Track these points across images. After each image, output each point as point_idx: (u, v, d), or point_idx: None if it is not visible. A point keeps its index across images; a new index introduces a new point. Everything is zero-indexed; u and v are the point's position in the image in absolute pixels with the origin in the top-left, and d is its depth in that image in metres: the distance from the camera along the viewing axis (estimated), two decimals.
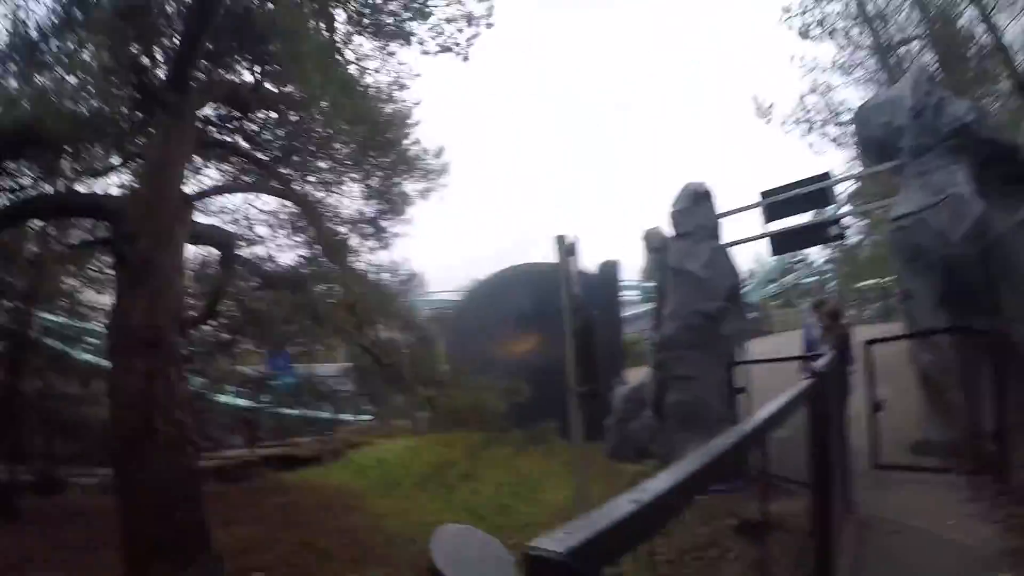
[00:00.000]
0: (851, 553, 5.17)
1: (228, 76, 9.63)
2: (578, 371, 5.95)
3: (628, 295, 34.04)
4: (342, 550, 8.61)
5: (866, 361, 7.78)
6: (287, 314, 10.81)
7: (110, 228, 8.66)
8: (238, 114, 10.37)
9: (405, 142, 11.59)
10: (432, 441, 14.92)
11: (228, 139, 10.72)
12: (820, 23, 17.59)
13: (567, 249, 6.51)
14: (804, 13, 17.49)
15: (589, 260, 14.05)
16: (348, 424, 19.99)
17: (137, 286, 7.51)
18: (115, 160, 9.61)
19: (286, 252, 11.93)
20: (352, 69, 9.95)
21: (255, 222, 11.95)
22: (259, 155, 10.94)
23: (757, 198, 10.64)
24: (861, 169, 14.49)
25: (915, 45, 17.99)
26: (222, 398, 15.21)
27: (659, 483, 1.22)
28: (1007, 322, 6.29)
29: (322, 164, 11.47)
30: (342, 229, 11.80)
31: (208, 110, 10.01)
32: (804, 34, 17.56)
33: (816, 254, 40.57)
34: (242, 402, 15.70)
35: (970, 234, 7.14)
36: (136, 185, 9.10)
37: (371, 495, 11.50)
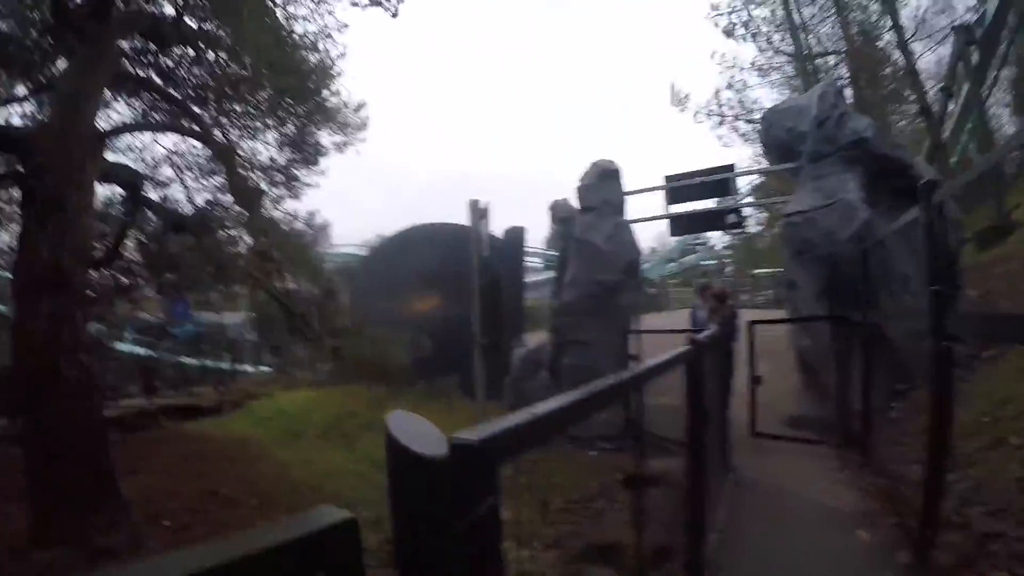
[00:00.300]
0: (727, 508, 5.67)
1: (148, 7, 9.14)
2: (483, 325, 6.25)
3: (532, 261, 34.82)
4: (247, 498, 8.57)
5: (749, 340, 8.35)
6: (191, 260, 10.51)
7: (17, 160, 8.15)
8: (154, 48, 9.84)
9: (325, 92, 11.41)
10: (334, 393, 14.77)
11: (142, 73, 10.17)
12: (745, 24, 18.33)
13: (479, 213, 6.77)
14: (731, 13, 18.19)
15: (497, 225, 14.26)
16: (249, 374, 19.47)
17: (45, 223, 7.06)
18: (23, 88, 9.12)
19: (194, 196, 11.38)
20: (279, 14, 9.74)
21: (162, 162, 11.38)
22: (173, 93, 10.43)
23: (662, 181, 11.19)
24: (763, 166, 15.39)
25: (832, 59, 19.07)
26: (121, 345, 14.66)
27: (551, 403, 1.47)
28: (879, 317, 6.92)
29: (237, 107, 10.98)
30: (254, 176, 11.41)
31: (123, 41, 9.44)
32: (728, 33, 18.28)
33: (717, 239, 42.77)
34: (141, 350, 15.18)
35: (854, 236, 7.78)
36: (47, 117, 8.63)
37: (273, 445, 11.37)
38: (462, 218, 12.25)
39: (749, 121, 17.39)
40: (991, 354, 5.07)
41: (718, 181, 11.07)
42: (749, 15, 18.44)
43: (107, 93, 9.74)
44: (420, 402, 13.51)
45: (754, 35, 18.52)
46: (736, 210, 11.65)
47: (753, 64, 18.71)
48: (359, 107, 12.16)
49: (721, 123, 17.88)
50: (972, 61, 15.28)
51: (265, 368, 20.95)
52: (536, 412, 1.32)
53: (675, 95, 17.59)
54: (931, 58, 22.30)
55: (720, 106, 17.85)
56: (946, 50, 18.41)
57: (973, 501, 3.86)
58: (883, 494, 5.53)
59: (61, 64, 9.09)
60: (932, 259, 3.91)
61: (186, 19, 9.24)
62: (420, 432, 0.97)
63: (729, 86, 18.12)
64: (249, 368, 20.29)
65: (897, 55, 16.80)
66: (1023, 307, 3.84)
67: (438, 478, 0.94)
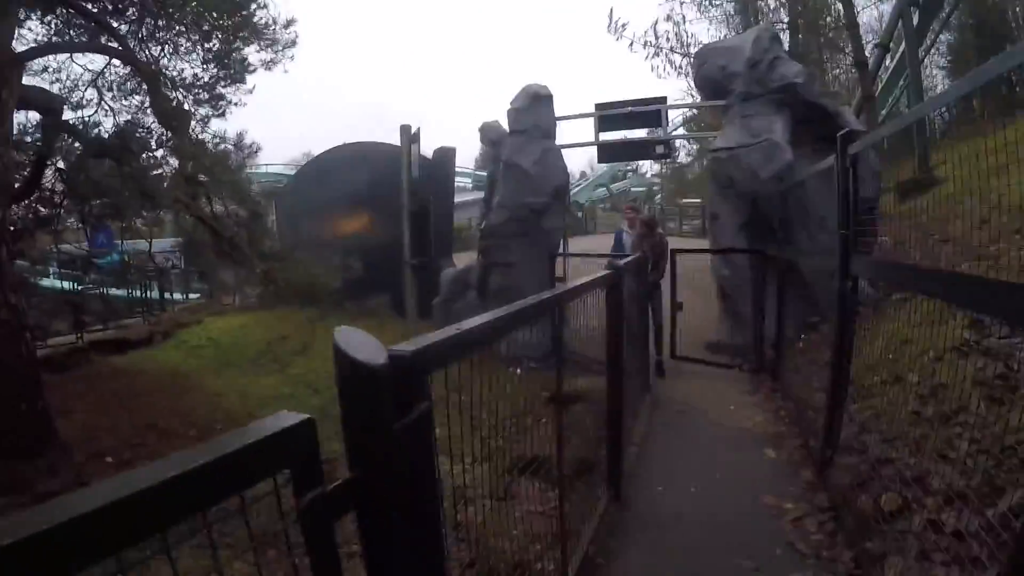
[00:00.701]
0: (645, 425, 6.04)
1: None
2: (412, 246, 6.37)
3: (462, 182, 34.72)
4: (184, 429, 8.60)
5: (671, 268, 8.68)
6: (114, 186, 10.05)
7: None
8: None
9: (253, 6, 10.89)
10: (264, 317, 14.52)
11: None
12: None
13: (410, 137, 6.76)
14: None
15: (427, 145, 14.02)
16: (179, 303, 19.04)
17: None
18: None
19: (113, 117, 10.85)
20: None
21: (81, 83, 10.76)
22: (90, 8, 9.72)
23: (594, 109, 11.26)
24: (695, 100, 15.57)
25: (773, 2, 19.17)
26: (45, 281, 14.05)
27: (475, 321, 1.63)
28: (794, 252, 7.30)
29: (159, 23, 10.39)
30: (177, 94, 10.86)
31: None
32: None
33: (647, 167, 43.56)
34: (66, 284, 14.52)
35: (776, 176, 8.07)
36: None
37: (206, 375, 11.31)
38: (393, 140, 12.13)
39: (685, 55, 17.37)
40: (900, 297, 5.42)
41: (649, 112, 11.21)
42: None
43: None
44: (352, 322, 13.48)
45: None
46: (665, 141, 11.89)
47: None
48: (289, 23, 11.61)
49: (656, 55, 17.76)
50: (913, 22, 15.62)
51: (195, 295, 20.39)
52: (461, 328, 1.47)
53: (612, 22, 17.31)
54: (873, 13, 22.87)
55: (657, 37, 17.69)
56: (888, 8, 18.87)
57: (871, 429, 4.15)
58: (790, 417, 5.97)
59: None
60: (844, 205, 4.15)
61: None
62: (364, 345, 1.08)
63: (668, 18, 18.04)
64: (178, 296, 19.71)
65: (839, 6, 16.99)
66: (931, 256, 4.16)
67: (380, 384, 1.07)
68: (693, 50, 15.81)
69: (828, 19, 18.31)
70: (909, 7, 15.31)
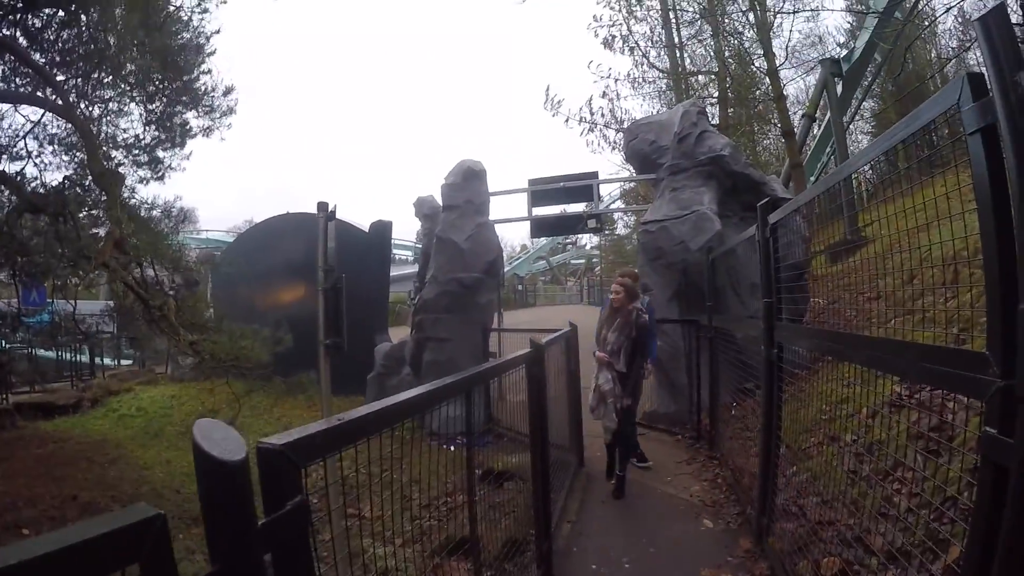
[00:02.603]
0: (579, 498, 5.96)
1: None
2: (325, 326, 6.33)
3: (402, 255, 34.78)
4: (107, 503, 8.34)
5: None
6: (48, 243, 9.73)
7: None
8: (20, 6, 9.03)
9: (197, 71, 10.95)
10: (195, 389, 14.39)
11: (5, 32, 9.28)
12: (624, 38, 18.92)
13: (327, 215, 6.82)
14: (612, 26, 18.74)
15: (367, 216, 14.09)
16: (109, 367, 18.52)
17: None
18: None
19: (52, 172, 10.63)
20: None
21: (20, 134, 10.45)
22: (37, 59, 9.62)
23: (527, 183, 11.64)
24: (626, 175, 16.11)
25: (703, 78, 20.16)
26: None
27: (359, 411, 1.60)
28: (724, 320, 7.47)
29: (104, 80, 10.29)
30: (116, 153, 10.84)
31: None
32: (607, 44, 18.77)
33: (588, 239, 44.44)
34: None
35: (705, 246, 8.32)
36: None
37: (133, 445, 11.07)
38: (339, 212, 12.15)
39: (618, 130, 17.89)
40: (832, 358, 5.52)
41: (581, 186, 11.59)
42: (629, 29, 18.97)
43: None
44: (280, 398, 13.60)
45: (631, 49, 19.06)
46: (597, 215, 12.22)
47: (628, 76, 19.51)
48: (228, 91, 11.68)
49: (591, 130, 18.33)
50: (836, 92, 16.59)
51: (126, 361, 19.68)
52: (343, 418, 1.44)
53: (549, 99, 17.91)
54: (799, 85, 24.34)
55: (592, 113, 18.30)
56: (813, 79, 20.10)
57: (809, 492, 4.18)
58: (728, 485, 6.00)
59: None
60: (767, 274, 4.27)
61: None
62: (224, 438, 1.06)
63: (603, 95, 18.72)
64: (109, 361, 19.14)
65: (766, 80, 17.96)
66: (862, 315, 4.30)
67: (238, 481, 1.04)
68: (626, 125, 16.39)
69: (757, 92, 19.27)
70: (832, 78, 16.29)
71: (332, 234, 6.28)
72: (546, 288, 42.56)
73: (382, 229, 16.27)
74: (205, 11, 10.35)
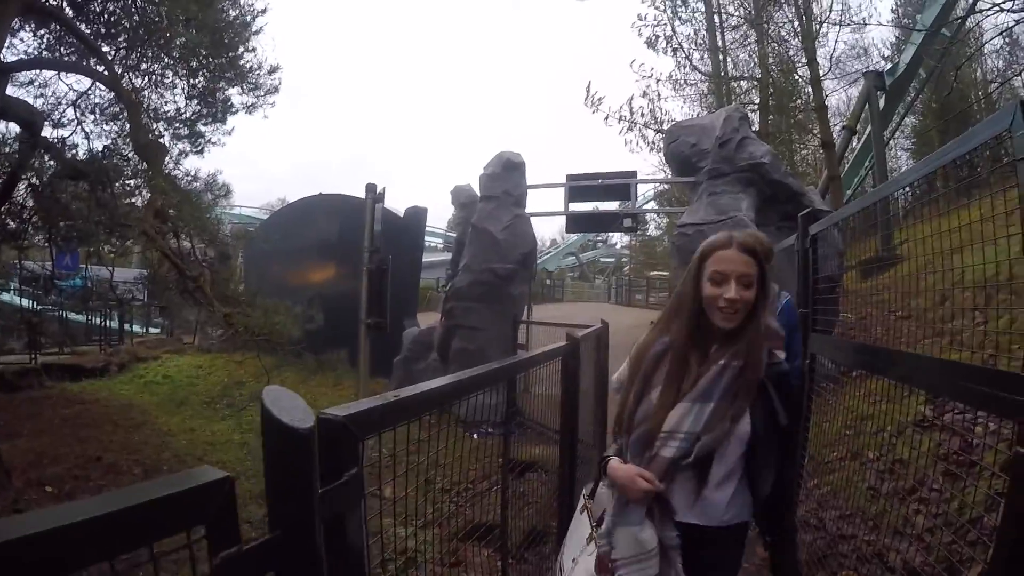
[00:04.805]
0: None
1: None
2: (368, 306, 6.38)
3: (432, 242, 34.95)
4: (130, 465, 8.47)
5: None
6: (88, 209, 9.93)
7: None
8: None
9: (241, 48, 11.13)
10: (223, 360, 14.63)
11: (52, 2, 9.56)
12: (668, 39, 18.80)
13: (375, 197, 6.88)
14: (656, 26, 18.62)
15: (401, 203, 14.19)
16: (137, 335, 18.95)
17: None
18: None
19: (93, 140, 10.81)
20: None
21: (64, 101, 10.74)
22: (83, 29, 9.84)
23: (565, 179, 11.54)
24: (664, 176, 15.97)
25: (745, 83, 19.94)
26: (3, 295, 13.75)
27: (414, 389, 1.62)
28: None
29: (148, 52, 10.56)
30: (157, 125, 11.02)
31: None
32: (650, 44, 18.67)
33: (617, 239, 44.06)
34: (25, 302, 14.33)
35: None
36: None
37: (158, 412, 11.23)
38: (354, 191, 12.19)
39: (658, 131, 17.68)
40: (860, 373, 5.43)
41: (619, 184, 11.52)
42: (673, 30, 18.86)
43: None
44: (308, 375, 13.57)
45: (674, 50, 18.92)
46: (633, 215, 12.16)
47: (670, 77, 19.25)
48: (273, 70, 11.88)
49: (630, 129, 18.06)
50: (879, 105, 16.33)
51: (154, 329, 20.08)
52: (399, 395, 1.46)
53: (589, 96, 17.79)
54: (841, 96, 23.97)
55: (632, 113, 18.06)
56: (855, 91, 19.76)
57: (829, 505, 4.14)
58: None
59: None
60: (804, 284, 4.23)
61: None
62: (292, 406, 1.08)
63: (644, 95, 18.51)
64: (138, 328, 19.61)
65: (808, 89, 17.71)
66: (890, 331, 4.22)
67: (306, 448, 1.06)
68: (666, 126, 16.25)
69: (798, 101, 19.05)
70: (875, 91, 16.02)
71: (379, 216, 6.36)
72: (574, 284, 42.37)
73: (417, 215, 16.36)
74: None
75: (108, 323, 17.46)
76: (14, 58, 9.57)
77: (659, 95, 18.62)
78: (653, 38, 18.57)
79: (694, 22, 19.45)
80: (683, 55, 18.98)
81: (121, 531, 0.78)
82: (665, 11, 18.80)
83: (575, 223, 12.34)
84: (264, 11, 11.31)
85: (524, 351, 9.07)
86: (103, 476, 7.97)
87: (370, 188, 6.87)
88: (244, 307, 8.72)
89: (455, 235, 12.77)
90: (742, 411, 1.92)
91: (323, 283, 15.23)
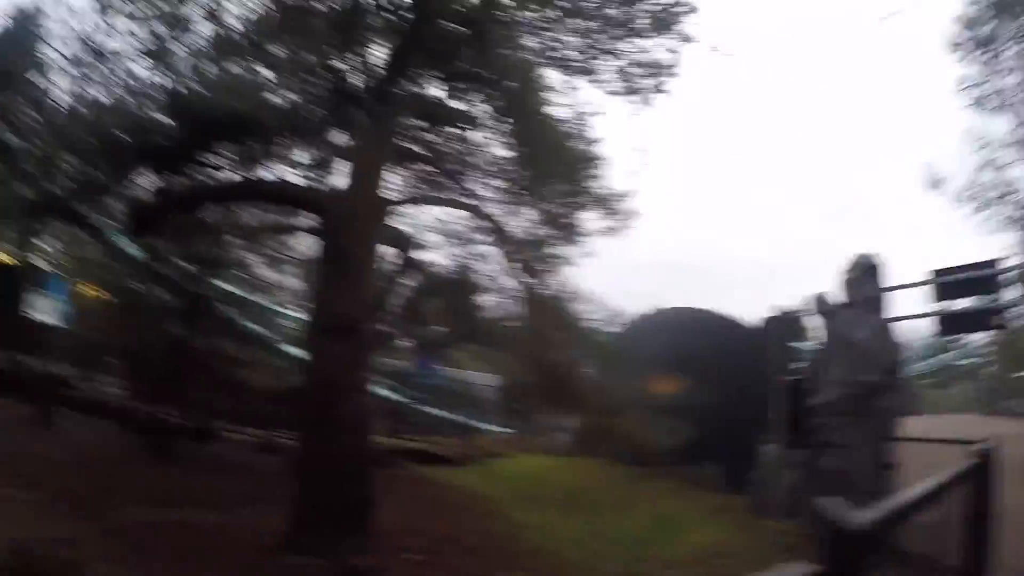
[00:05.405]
0: None
1: (417, 89, 10.03)
2: (787, 428, 6.27)
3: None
4: (487, 550, 8.75)
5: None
6: (447, 319, 11.41)
7: (316, 219, 9.62)
8: (424, 125, 10.91)
9: (590, 178, 11.78)
10: (570, 463, 14.83)
11: (413, 147, 11.27)
12: (997, 94, 16.80)
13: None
14: (983, 84, 16.76)
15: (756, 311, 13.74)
16: (487, 432, 20.06)
17: (339, 276, 8.44)
18: (306, 156, 10.45)
19: (453, 261, 12.43)
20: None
21: (426, 228, 12.48)
22: (447, 167, 11.49)
23: (923, 275, 10.74)
24: None
25: None
26: (374, 388, 16.06)
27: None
28: None
29: (497, 183, 11.88)
30: (510, 247, 12.10)
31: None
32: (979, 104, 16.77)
33: (977, 336, 37.77)
34: (389, 393, 16.43)
35: None
36: (327, 182, 10.04)
37: (509, 505, 11.50)
38: (701, 302, 12.19)
39: (1009, 203, 15.73)
40: None
41: (986, 276, 10.38)
42: (1002, 84, 16.80)
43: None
44: (677, 491, 12.38)
45: (1008, 105, 16.84)
46: (1002, 310, 10.75)
47: (1010, 138, 17.04)
48: (625, 195, 12.27)
49: (981, 209, 16.25)
50: None
51: (505, 428, 21.83)
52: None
53: (931, 178, 16.32)
54: None
55: (978, 189, 16.28)
56: None
57: None
58: None
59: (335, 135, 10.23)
60: None
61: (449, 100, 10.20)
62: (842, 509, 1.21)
63: (988, 164, 16.58)
64: (488, 426, 21.04)
65: None
66: None
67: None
68: (1016, 196, 14.30)
69: None
70: None
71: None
72: (930, 394, 37.84)
73: (779, 324, 16.08)
74: (586, 123, 11.10)
75: (460, 419, 19.10)
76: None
77: (999, 162, 16.52)
78: (981, 97, 16.67)
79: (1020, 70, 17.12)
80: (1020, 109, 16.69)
81: None
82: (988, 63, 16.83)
83: (949, 325, 11.29)
84: (601, 140, 11.69)
85: (895, 469, 8.50)
86: (459, 555, 8.35)
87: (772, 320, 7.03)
88: (616, 416, 9.17)
89: (816, 344, 12.16)
90: None
91: (686, 396, 15.42)
